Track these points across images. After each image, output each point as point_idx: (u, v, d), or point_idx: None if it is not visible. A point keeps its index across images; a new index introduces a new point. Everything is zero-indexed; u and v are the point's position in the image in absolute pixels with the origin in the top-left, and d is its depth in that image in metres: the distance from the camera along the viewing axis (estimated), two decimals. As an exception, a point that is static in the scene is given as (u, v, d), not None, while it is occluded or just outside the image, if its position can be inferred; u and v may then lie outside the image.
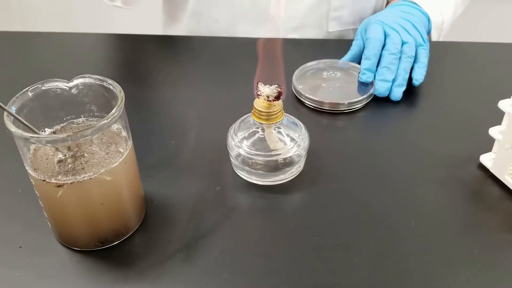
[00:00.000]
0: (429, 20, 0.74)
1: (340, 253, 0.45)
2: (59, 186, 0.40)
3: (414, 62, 0.66)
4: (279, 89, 0.48)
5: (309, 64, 0.69)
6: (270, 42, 0.69)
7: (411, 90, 0.66)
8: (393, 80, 0.64)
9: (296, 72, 0.67)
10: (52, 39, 0.81)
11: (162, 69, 0.71)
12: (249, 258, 0.44)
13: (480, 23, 1.34)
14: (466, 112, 0.62)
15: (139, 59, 0.75)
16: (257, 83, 0.48)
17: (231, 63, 0.72)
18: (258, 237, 0.46)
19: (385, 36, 0.66)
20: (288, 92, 0.65)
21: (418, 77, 0.65)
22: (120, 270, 0.43)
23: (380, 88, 0.64)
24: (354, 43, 0.70)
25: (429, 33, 0.76)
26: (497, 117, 0.52)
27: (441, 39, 0.79)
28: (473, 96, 0.66)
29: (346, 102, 0.62)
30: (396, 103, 0.64)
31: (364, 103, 0.63)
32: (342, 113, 0.62)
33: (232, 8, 0.81)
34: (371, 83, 0.65)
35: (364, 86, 0.65)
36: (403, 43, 0.66)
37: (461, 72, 0.71)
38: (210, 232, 0.46)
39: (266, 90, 0.48)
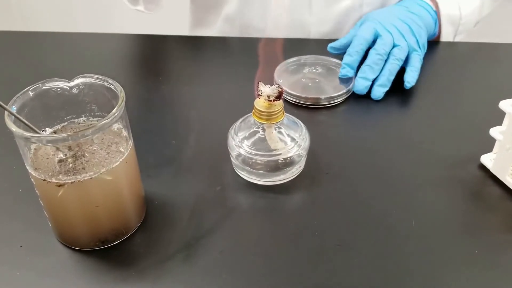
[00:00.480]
0: (436, 22, 0.72)
1: (341, 253, 0.45)
2: (60, 185, 0.40)
3: (407, 65, 0.66)
4: (279, 89, 0.48)
5: (290, 60, 0.69)
6: (270, 42, 0.69)
7: (411, 90, 0.66)
8: (376, 80, 0.64)
9: (278, 68, 0.67)
10: (53, 38, 0.81)
11: (163, 69, 0.71)
12: (249, 258, 0.44)
13: (481, 23, 1.34)
14: (466, 112, 0.62)
15: (140, 59, 0.75)
16: (258, 83, 0.48)
17: (231, 63, 0.72)
18: (259, 237, 0.46)
19: (377, 36, 0.66)
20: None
21: (410, 80, 0.64)
22: (121, 270, 0.43)
23: (359, 85, 0.64)
24: (350, 31, 0.70)
25: (434, 35, 0.75)
26: (498, 117, 0.52)
27: (459, 38, 0.78)
28: (473, 96, 0.66)
29: (323, 97, 0.62)
30: (396, 102, 0.64)
31: (344, 97, 0.64)
32: (323, 108, 0.62)
33: (265, 15, 0.81)
34: (351, 79, 0.65)
35: (344, 82, 0.65)
36: (394, 46, 0.65)
37: (462, 72, 0.71)
38: (210, 232, 0.46)
39: (266, 90, 0.48)
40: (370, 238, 0.46)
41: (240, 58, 0.73)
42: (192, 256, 0.44)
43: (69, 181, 0.40)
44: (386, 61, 0.65)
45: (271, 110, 0.49)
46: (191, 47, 0.77)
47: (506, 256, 0.44)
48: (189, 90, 0.67)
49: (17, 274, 0.43)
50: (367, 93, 0.65)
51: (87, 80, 0.44)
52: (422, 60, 0.67)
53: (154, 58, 0.74)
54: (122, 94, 0.41)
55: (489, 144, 0.53)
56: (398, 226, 0.47)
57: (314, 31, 0.81)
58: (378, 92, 0.63)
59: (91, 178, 0.40)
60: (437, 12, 0.73)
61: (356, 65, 0.65)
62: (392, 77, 0.64)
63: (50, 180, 0.40)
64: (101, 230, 0.44)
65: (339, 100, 0.63)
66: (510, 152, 0.49)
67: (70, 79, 0.43)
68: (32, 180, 0.42)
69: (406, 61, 0.66)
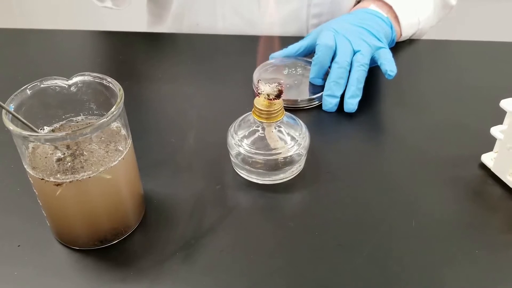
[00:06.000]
0: (392, 28, 0.70)
1: (341, 253, 0.44)
2: (58, 185, 0.40)
3: (378, 62, 0.63)
4: (279, 88, 0.47)
5: (269, 61, 0.68)
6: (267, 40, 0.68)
7: (411, 89, 0.66)
8: (346, 91, 0.61)
9: (257, 69, 0.66)
10: (51, 36, 0.80)
11: (162, 67, 0.71)
12: (249, 258, 0.44)
13: (480, 22, 1.34)
14: (467, 111, 0.62)
15: (139, 57, 0.74)
16: (258, 82, 0.48)
17: (232, 61, 0.72)
18: (258, 237, 0.46)
19: (336, 45, 0.63)
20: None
21: (392, 68, 0.60)
22: (119, 269, 0.43)
23: (328, 104, 0.61)
24: (300, 42, 0.68)
25: (393, 42, 0.72)
26: (499, 117, 0.52)
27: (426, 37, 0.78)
28: (474, 95, 0.65)
29: (299, 99, 0.61)
30: (396, 101, 0.64)
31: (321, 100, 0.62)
32: (303, 110, 0.62)
33: (214, 14, 0.80)
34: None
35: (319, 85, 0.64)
36: (355, 52, 0.62)
37: (462, 71, 0.71)
38: (210, 231, 0.46)
39: (266, 88, 0.48)
40: (370, 237, 0.46)
41: (239, 56, 0.73)
42: (191, 256, 0.44)
43: (68, 180, 0.39)
44: (351, 69, 0.62)
45: (271, 109, 0.48)
46: (191, 45, 0.77)
47: (507, 256, 0.44)
48: (189, 89, 0.66)
49: (15, 273, 0.43)
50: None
51: (86, 78, 0.43)
52: (390, 52, 0.64)
53: (153, 56, 0.74)
54: (120, 93, 0.41)
55: (489, 143, 0.53)
56: (398, 225, 0.47)
57: (265, 32, 0.78)
58: (351, 104, 0.60)
59: (89, 177, 0.40)
60: (389, 19, 0.71)
61: (321, 74, 0.63)
62: (361, 85, 0.61)
63: (48, 179, 0.40)
64: (100, 229, 0.44)
65: (318, 102, 0.62)
66: (511, 151, 0.49)
67: (68, 77, 0.43)
68: (30, 179, 0.42)
69: (375, 60, 0.64)
